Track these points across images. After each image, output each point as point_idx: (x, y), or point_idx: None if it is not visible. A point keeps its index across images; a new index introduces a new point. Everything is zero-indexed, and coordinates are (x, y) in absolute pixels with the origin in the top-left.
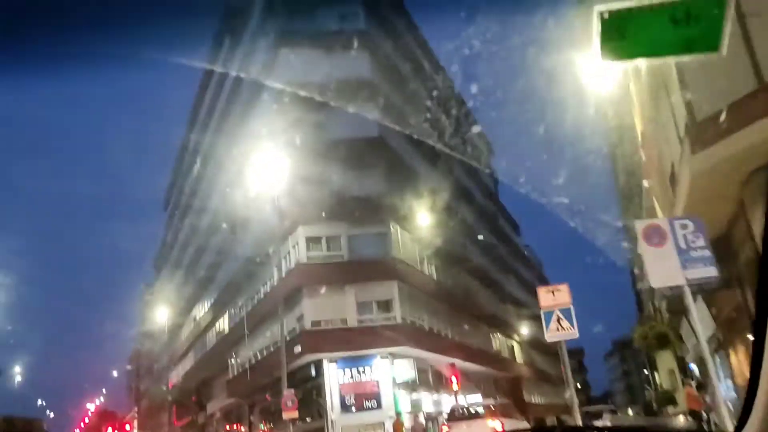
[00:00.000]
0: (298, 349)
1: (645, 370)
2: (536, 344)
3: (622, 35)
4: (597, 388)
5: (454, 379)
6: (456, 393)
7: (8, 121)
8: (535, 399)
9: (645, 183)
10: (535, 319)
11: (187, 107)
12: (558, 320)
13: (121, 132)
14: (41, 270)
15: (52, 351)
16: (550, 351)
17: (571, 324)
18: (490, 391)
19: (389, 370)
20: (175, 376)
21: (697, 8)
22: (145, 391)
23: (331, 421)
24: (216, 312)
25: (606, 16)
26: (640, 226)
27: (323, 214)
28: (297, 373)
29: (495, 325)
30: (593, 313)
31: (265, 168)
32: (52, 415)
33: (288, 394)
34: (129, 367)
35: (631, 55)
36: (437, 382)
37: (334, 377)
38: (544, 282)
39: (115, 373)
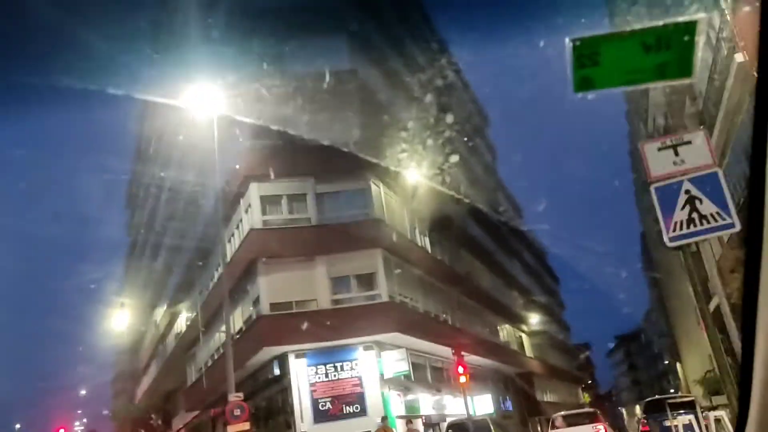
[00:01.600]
0: (255, 340)
1: (665, 360)
2: (546, 337)
3: (594, 63)
4: (601, 385)
5: (461, 369)
6: (464, 390)
7: None
8: (548, 397)
9: None
10: (543, 309)
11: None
12: (691, 202)
13: (75, 168)
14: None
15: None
16: (561, 345)
17: (722, 201)
18: (500, 389)
19: (375, 364)
20: (140, 390)
21: (667, 35)
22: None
23: None
24: (173, 310)
25: (578, 44)
26: None
27: (283, 167)
28: (259, 373)
29: (501, 313)
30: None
31: (207, 109)
32: None
33: (234, 402)
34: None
35: (604, 83)
36: (438, 378)
37: (303, 376)
38: (550, 272)
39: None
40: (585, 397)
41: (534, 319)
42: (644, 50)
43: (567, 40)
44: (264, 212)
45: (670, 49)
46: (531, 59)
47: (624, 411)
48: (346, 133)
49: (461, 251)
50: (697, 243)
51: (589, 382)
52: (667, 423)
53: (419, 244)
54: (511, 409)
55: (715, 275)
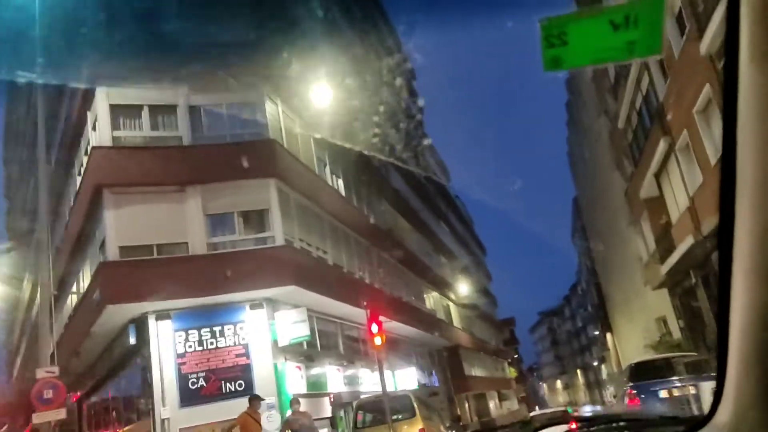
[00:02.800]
0: (97, 297)
1: (596, 332)
2: (474, 307)
3: (563, 42)
4: (524, 361)
5: (375, 328)
6: (380, 356)
7: None
8: (475, 372)
9: None
10: (472, 278)
11: None
12: None
13: None
14: None
15: None
16: (488, 318)
17: None
18: (426, 363)
19: (267, 328)
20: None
21: (635, 13)
22: None
23: (162, 421)
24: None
25: (546, 24)
26: None
27: (145, 69)
28: (115, 343)
29: (428, 278)
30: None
31: None
32: None
33: (44, 380)
34: None
35: (574, 62)
36: (352, 349)
37: (168, 344)
38: (477, 241)
39: None
40: (511, 372)
41: (462, 288)
42: (612, 28)
43: (537, 20)
44: (117, 127)
45: (638, 27)
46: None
47: (545, 386)
48: (237, 33)
49: (383, 204)
50: (660, 187)
51: (515, 356)
52: (663, 393)
53: (329, 182)
54: (437, 384)
55: (685, 221)
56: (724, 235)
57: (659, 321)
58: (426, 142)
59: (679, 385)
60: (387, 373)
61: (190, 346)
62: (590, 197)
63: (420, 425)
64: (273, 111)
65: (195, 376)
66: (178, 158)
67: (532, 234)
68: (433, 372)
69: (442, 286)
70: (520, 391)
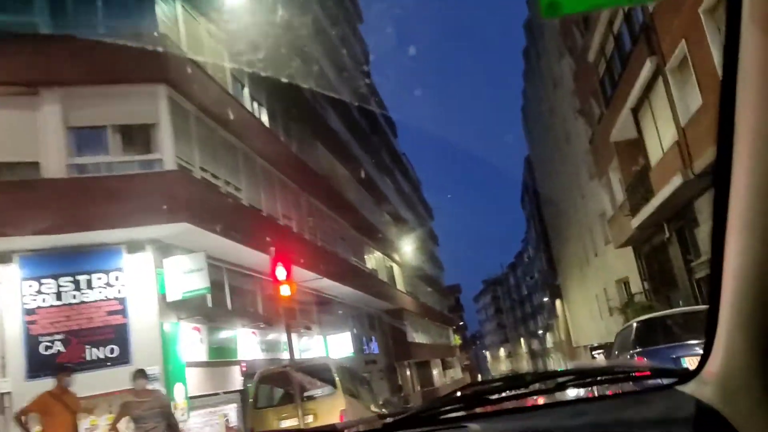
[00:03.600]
0: None
1: (544, 298)
2: (420, 271)
3: None
4: (468, 329)
5: (282, 273)
6: (289, 313)
7: None
8: (419, 338)
9: None
10: (417, 240)
11: None
12: None
13: None
14: None
15: None
16: (434, 283)
17: None
18: (365, 328)
19: (152, 278)
20: None
21: None
22: None
23: (0, 396)
24: None
25: None
26: None
27: None
28: None
29: (369, 235)
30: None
31: None
32: None
33: None
34: None
35: (572, 8)
36: (273, 308)
37: (13, 296)
38: (424, 204)
39: None
40: (456, 339)
41: (407, 250)
42: None
43: None
44: None
45: None
46: None
47: (488, 354)
48: None
49: (318, 148)
50: (639, 125)
51: (461, 323)
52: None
53: (245, 106)
54: (377, 351)
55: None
56: (722, 170)
57: (620, 283)
58: (370, 84)
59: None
60: (318, 338)
61: (44, 300)
62: (544, 154)
63: (342, 405)
64: (169, 7)
65: (49, 338)
66: (31, 50)
67: (480, 200)
68: (373, 338)
69: (386, 246)
70: (464, 359)
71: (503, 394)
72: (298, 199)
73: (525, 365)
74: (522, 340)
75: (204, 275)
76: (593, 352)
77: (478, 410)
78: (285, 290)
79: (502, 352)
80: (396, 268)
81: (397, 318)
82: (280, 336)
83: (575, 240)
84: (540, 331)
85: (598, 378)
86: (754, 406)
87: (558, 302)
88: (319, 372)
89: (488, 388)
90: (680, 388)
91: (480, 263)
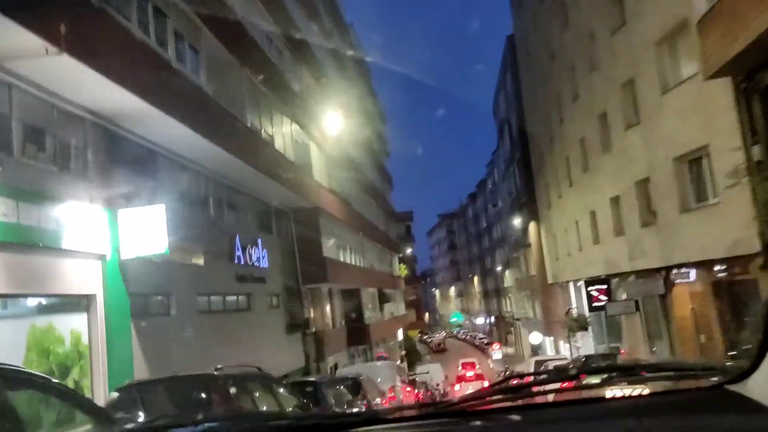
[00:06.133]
0: None
1: (515, 221)
2: (356, 169)
3: None
4: (419, 265)
5: None
6: None
7: None
8: (346, 257)
9: None
10: (358, 127)
11: None
12: None
13: None
14: None
15: None
16: (381, 196)
17: None
18: (247, 227)
19: None
20: None
21: None
22: None
23: None
24: None
25: None
26: None
27: None
28: None
29: (272, 86)
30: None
31: None
32: None
33: None
34: None
35: None
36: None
37: None
38: (370, 89)
39: None
40: (401, 270)
41: (336, 125)
42: None
43: None
44: None
45: None
46: None
47: (437, 292)
48: None
49: None
50: None
51: (408, 251)
52: None
53: None
54: (266, 266)
55: None
56: None
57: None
58: None
59: None
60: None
61: None
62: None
63: None
64: None
65: None
66: None
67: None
68: (259, 242)
69: (302, 115)
70: (410, 294)
71: (548, 387)
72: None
73: (476, 305)
74: (476, 278)
75: None
76: (589, 288)
77: (518, 402)
78: None
79: (452, 291)
80: (315, 150)
81: (311, 222)
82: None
83: (570, 136)
84: (499, 268)
85: (647, 375)
86: None
87: (532, 226)
88: None
89: (535, 380)
90: (732, 387)
91: (439, 199)
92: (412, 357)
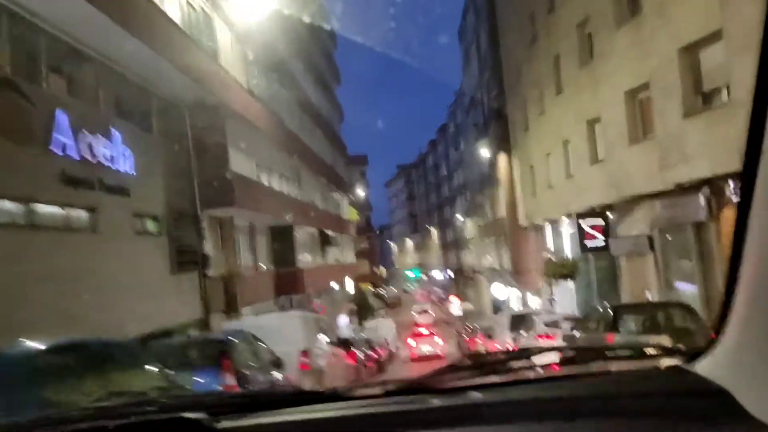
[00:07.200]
0: None
1: (481, 150)
2: (291, 78)
3: None
4: (377, 218)
5: None
6: None
7: None
8: (270, 180)
9: None
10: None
11: None
12: None
13: None
14: None
15: None
16: (327, 125)
17: None
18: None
19: None
20: None
21: None
22: None
23: None
24: None
25: None
26: None
27: None
28: None
29: None
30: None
31: None
32: None
33: None
34: None
35: None
36: None
37: None
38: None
39: None
40: (352, 214)
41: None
42: None
43: None
44: None
45: None
46: None
47: (394, 245)
48: None
49: None
50: None
51: (362, 195)
52: None
53: None
54: (133, 172)
55: None
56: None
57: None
58: None
59: None
60: None
61: None
62: None
63: None
64: None
65: None
66: None
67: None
68: (115, 134)
69: None
70: (362, 242)
71: (507, 365)
72: None
73: (435, 259)
74: (434, 230)
75: None
76: (581, 220)
77: (479, 381)
78: None
79: (410, 243)
80: (223, 30)
81: (215, 126)
82: None
83: (562, 24)
84: (459, 217)
85: (606, 353)
86: (764, 386)
87: (502, 160)
88: None
89: (493, 359)
90: (688, 366)
91: (398, 151)
92: (364, 311)
